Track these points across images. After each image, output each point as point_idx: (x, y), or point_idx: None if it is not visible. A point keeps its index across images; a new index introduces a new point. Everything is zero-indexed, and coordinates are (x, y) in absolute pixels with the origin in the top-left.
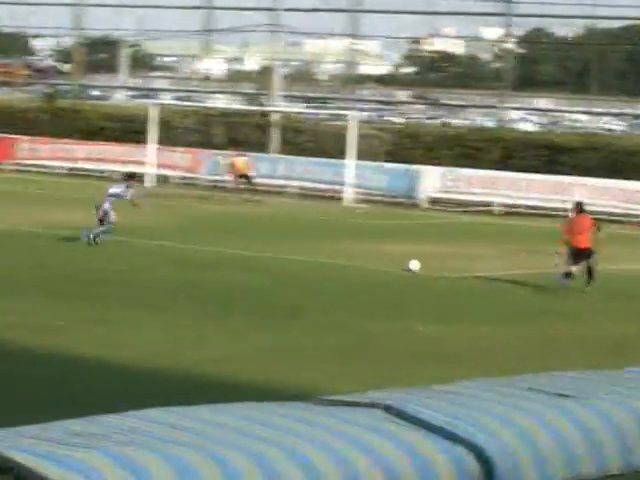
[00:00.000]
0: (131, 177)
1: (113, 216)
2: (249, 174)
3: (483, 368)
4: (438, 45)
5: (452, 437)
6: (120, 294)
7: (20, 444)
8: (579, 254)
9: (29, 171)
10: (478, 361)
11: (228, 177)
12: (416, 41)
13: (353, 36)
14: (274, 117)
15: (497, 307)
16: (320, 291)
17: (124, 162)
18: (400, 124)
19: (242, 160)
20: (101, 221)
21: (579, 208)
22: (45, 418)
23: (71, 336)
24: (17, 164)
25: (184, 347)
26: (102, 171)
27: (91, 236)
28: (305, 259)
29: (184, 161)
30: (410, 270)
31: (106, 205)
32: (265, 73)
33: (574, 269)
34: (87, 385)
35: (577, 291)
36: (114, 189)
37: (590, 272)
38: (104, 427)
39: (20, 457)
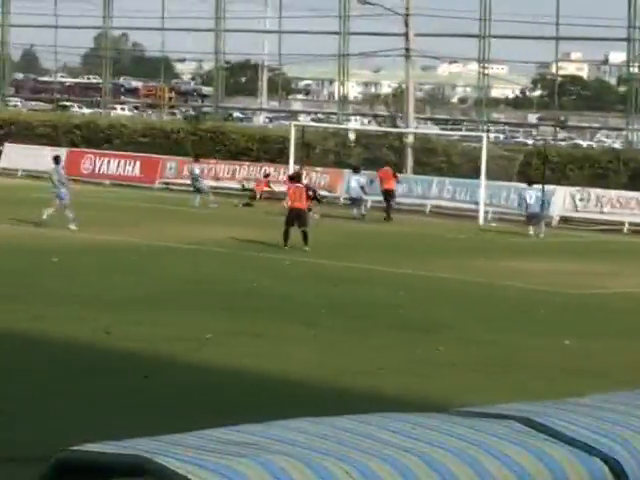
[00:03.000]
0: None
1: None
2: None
3: (626, 383)
4: (566, 69)
5: (588, 449)
6: (272, 308)
7: (175, 452)
8: None
9: (177, 190)
10: (622, 376)
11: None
12: (544, 65)
13: (484, 60)
14: (409, 138)
15: (638, 323)
16: (465, 307)
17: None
18: (530, 145)
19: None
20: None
21: None
22: (202, 427)
23: (223, 348)
24: (165, 183)
25: (335, 360)
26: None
27: None
28: (443, 276)
29: (323, 180)
30: (314, 219)
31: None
32: (399, 96)
33: None
34: (238, 395)
35: None
36: None
37: None
38: (254, 436)
39: (174, 465)
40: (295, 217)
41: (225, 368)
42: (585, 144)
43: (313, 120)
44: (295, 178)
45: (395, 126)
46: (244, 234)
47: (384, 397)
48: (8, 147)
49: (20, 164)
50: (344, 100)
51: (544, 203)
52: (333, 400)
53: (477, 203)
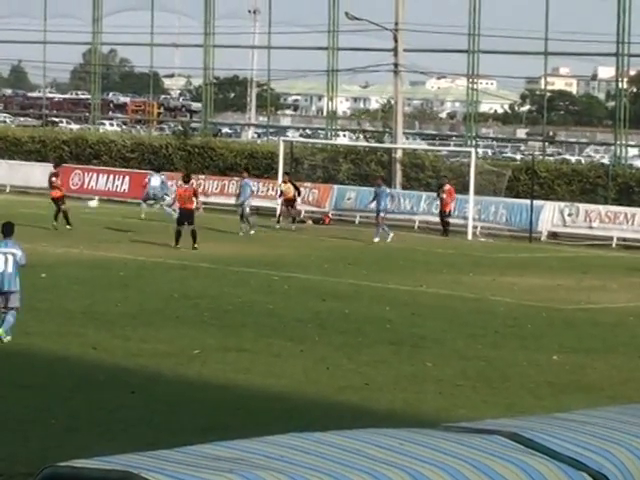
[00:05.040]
0: None
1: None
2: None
3: (614, 398)
4: (554, 84)
5: (575, 464)
6: (259, 324)
7: (162, 468)
8: None
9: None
10: (609, 391)
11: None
12: (533, 80)
13: (472, 75)
14: (397, 154)
15: (626, 338)
16: (453, 322)
17: (255, 197)
18: (518, 160)
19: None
20: None
21: None
22: (189, 443)
23: (210, 364)
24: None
25: (322, 375)
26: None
27: None
28: (431, 291)
29: (312, 195)
30: (90, 207)
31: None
32: (387, 111)
33: None
34: (225, 411)
35: None
36: None
37: None
38: (241, 452)
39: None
40: (186, 217)
41: (212, 383)
42: (574, 159)
43: (302, 135)
44: (186, 180)
45: (382, 141)
46: (230, 249)
47: (372, 412)
48: None
49: (8, 180)
50: (333, 115)
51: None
52: (320, 416)
53: (466, 218)
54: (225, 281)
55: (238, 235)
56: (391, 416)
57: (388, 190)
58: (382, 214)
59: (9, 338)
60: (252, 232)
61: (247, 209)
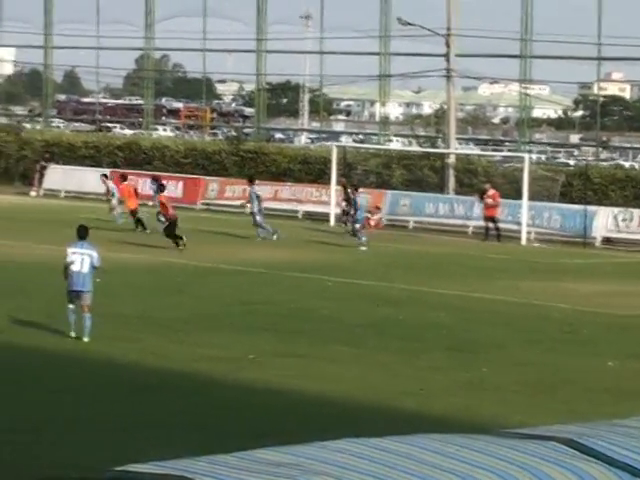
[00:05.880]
0: None
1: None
2: None
3: None
4: (608, 89)
5: (631, 471)
6: (314, 329)
7: (217, 472)
8: None
9: (218, 211)
10: None
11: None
12: (586, 85)
13: (525, 81)
14: (450, 159)
15: None
16: (509, 327)
17: (309, 202)
18: (572, 166)
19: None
20: None
21: None
22: (244, 447)
23: (265, 369)
24: (207, 204)
25: (378, 381)
26: (287, 210)
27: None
28: (486, 296)
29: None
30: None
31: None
32: (440, 116)
33: None
34: (280, 416)
35: None
36: None
37: None
38: (295, 457)
39: None
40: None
41: (267, 389)
42: (627, 164)
43: (354, 141)
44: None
45: (436, 147)
46: (284, 255)
47: (428, 418)
48: (51, 169)
49: (63, 185)
50: (385, 121)
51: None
52: (376, 421)
53: (519, 224)
54: (279, 286)
55: (255, 240)
56: (447, 422)
57: (359, 198)
58: (358, 225)
59: (86, 339)
60: (274, 237)
61: (257, 217)
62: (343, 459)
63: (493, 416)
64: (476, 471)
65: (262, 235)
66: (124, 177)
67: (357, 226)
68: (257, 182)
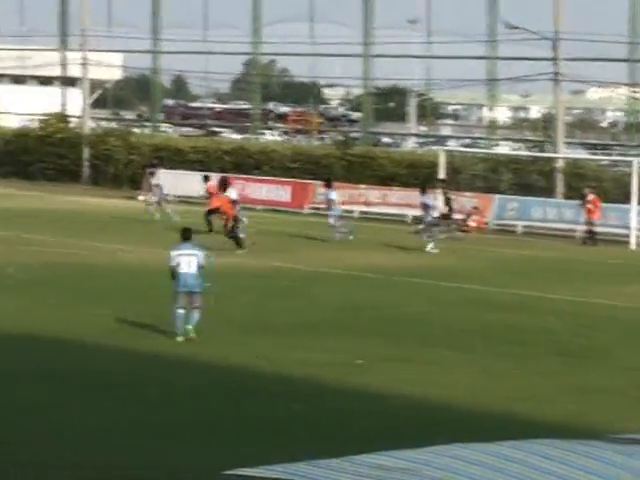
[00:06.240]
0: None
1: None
2: None
3: None
4: None
5: None
6: (423, 334)
7: (327, 476)
8: None
9: (326, 215)
10: None
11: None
12: None
13: (634, 84)
14: (559, 163)
15: None
16: (619, 333)
17: (417, 206)
18: None
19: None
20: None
21: None
22: (354, 452)
23: (374, 374)
24: (315, 209)
25: (487, 386)
26: (395, 215)
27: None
28: (595, 301)
29: (472, 205)
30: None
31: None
32: (548, 121)
33: None
34: (388, 421)
35: None
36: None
37: None
38: (406, 461)
39: None
40: None
41: (377, 393)
42: None
43: (462, 145)
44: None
45: (544, 151)
46: (393, 259)
47: (538, 424)
48: (161, 173)
49: (172, 189)
50: (493, 125)
51: None
52: (485, 426)
53: (628, 228)
54: (389, 291)
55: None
56: (557, 427)
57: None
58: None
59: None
60: (350, 237)
61: (331, 220)
62: (452, 463)
63: (605, 422)
64: (586, 476)
65: (338, 238)
66: (224, 186)
67: (424, 227)
68: (335, 185)
